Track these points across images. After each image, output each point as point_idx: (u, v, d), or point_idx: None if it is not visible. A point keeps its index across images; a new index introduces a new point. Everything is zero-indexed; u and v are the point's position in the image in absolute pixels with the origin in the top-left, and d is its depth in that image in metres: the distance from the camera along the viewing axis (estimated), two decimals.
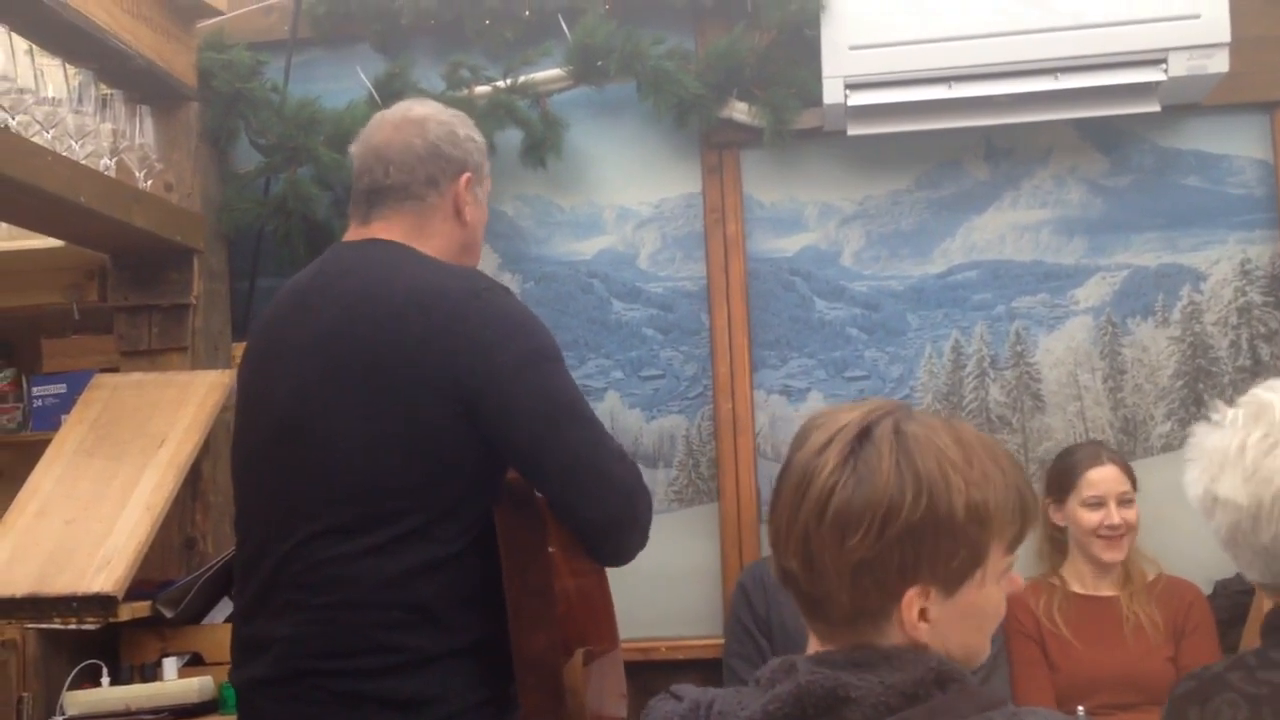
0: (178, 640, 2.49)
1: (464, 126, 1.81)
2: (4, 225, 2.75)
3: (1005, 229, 2.92)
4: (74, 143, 2.40)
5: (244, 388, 1.80)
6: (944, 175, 2.94)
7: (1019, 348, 2.89)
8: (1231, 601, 2.60)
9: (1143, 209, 2.89)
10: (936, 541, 0.99)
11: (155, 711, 2.33)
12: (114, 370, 2.77)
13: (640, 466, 1.77)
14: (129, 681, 2.45)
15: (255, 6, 2.98)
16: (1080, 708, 2.34)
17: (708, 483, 2.93)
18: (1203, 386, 2.82)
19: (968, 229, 2.93)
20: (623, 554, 1.71)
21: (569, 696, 1.58)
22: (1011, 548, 1.05)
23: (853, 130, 2.81)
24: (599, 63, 2.84)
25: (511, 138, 2.87)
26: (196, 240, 2.78)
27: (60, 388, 2.87)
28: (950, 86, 2.70)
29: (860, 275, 2.95)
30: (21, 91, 2.25)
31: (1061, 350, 2.88)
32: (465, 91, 2.86)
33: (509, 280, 2.95)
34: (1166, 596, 2.55)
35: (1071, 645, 2.51)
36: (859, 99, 2.72)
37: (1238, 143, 2.86)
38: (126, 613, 2.33)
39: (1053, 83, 2.68)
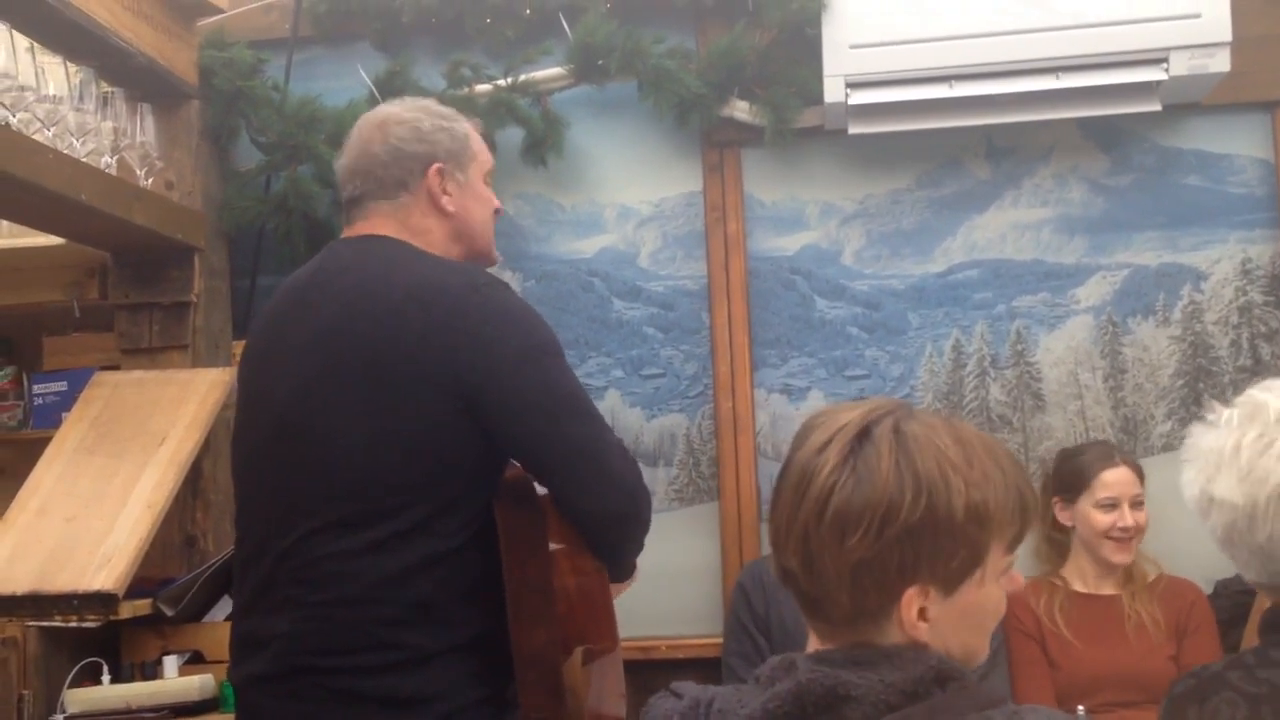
0: (178, 638, 2.49)
1: (431, 118, 1.80)
2: (5, 223, 2.75)
3: (1006, 228, 2.92)
4: (75, 140, 2.40)
5: (244, 385, 1.80)
6: (945, 174, 2.94)
7: (1019, 347, 2.89)
8: (1232, 602, 2.60)
9: (1144, 208, 2.89)
10: (936, 541, 0.99)
11: (156, 709, 2.33)
12: (115, 368, 2.77)
13: (641, 465, 1.76)
14: (129, 679, 2.45)
15: (256, 5, 2.98)
16: (1080, 707, 2.34)
17: (708, 481, 2.93)
18: (1203, 386, 2.82)
19: (968, 228, 2.93)
20: (624, 548, 1.71)
21: (568, 694, 1.58)
22: (1011, 547, 1.05)
23: (854, 129, 2.81)
24: (600, 61, 2.84)
25: (512, 136, 2.87)
26: (197, 238, 2.78)
27: (61, 385, 2.87)
28: (951, 85, 2.71)
29: (861, 274, 2.95)
30: (22, 89, 2.26)
31: (1062, 349, 2.88)
32: (466, 90, 2.86)
33: (510, 278, 2.95)
34: (1168, 596, 2.55)
35: (1073, 644, 2.51)
36: (860, 98, 2.72)
37: (1239, 142, 2.86)
38: (127, 610, 2.33)
39: (1054, 82, 2.68)
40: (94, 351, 2.88)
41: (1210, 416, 1.37)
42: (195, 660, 2.48)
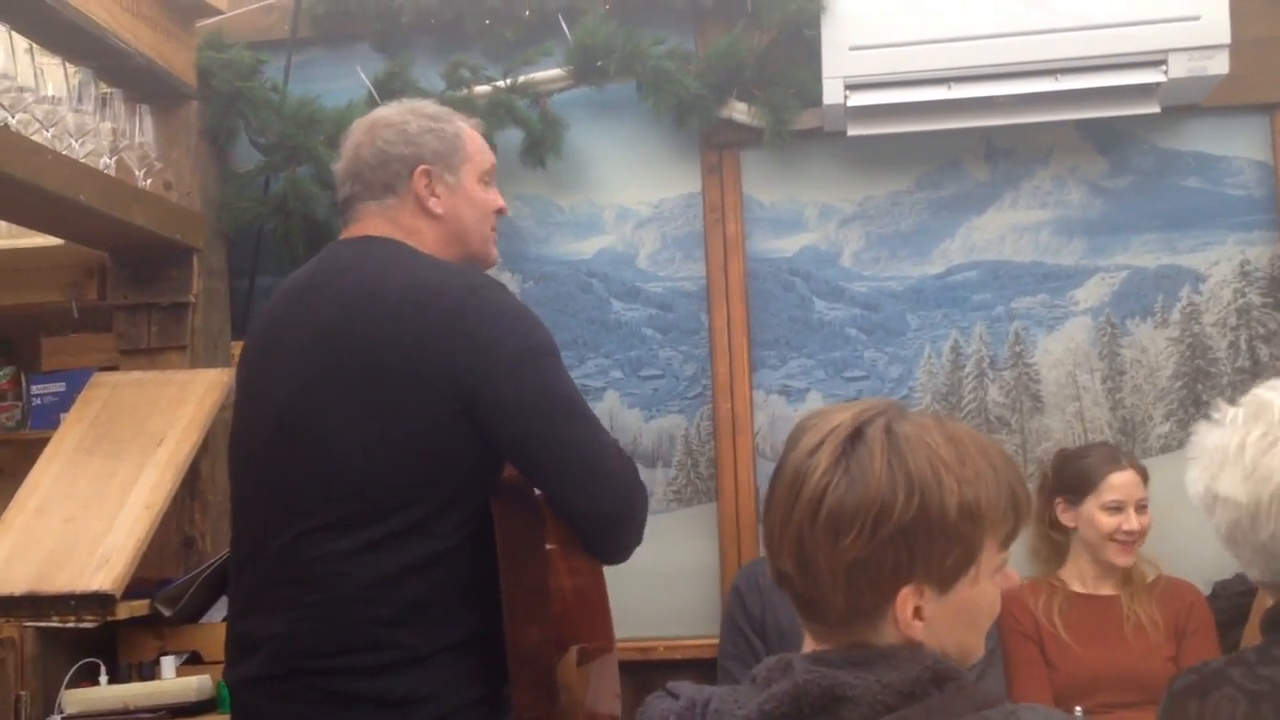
0: (176, 639, 2.49)
1: (420, 120, 1.79)
2: (4, 223, 2.75)
3: (1005, 230, 2.92)
4: (74, 141, 2.40)
5: (242, 385, 1.80)
6: (944, 176, 2.94)
7: (1018, 348, 2.89)
8: (1231, 603, 2.60)
9: (1142, 210, 2.89)
10: (930, 540, 0.99)
11: (153, 710, 2.33)
12: (113, 369, 2.77)
13: (639, 466, 1.77)
14: (127, 680, 2.45)
15: (255, 6, 2.98)
16: (1078, 708, 2.34)
17: (706, 482, 2.93)
18: (1201, 387, 2.82)
19: (967, 229, 2.93)
20: (619, 549, 1.71)
21: (562, 694, 1.58)
22: (1005, 544, 1.05)
23: (853, 131, 2.81)
24: (599, 63, 2.84)
25: (511, 137, 2.87)
26: (196, 239, 2.78)
27: (59, 386, 2.87)
28: (950, 87, 2.71)
29: (860, 275, 2.95)
30: (21, 90, 2.26)
31: (1060, 351, 2.88)
32: (465, 91, 2.86)
33: (508, 280, 2.95)
34: (1167, 597, 2.55)
35: (1071, 644, 2.51)
36: (859, 99, 2.72)
37: (1237, 144, 2.86)
38: (125, 611, 2.33)
39: (1053, 84, 2.68)
40: (92, 352, 2.88)
41: (1215, 415, 1.38)
42: (193, 661, 2.48)
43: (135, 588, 2.38)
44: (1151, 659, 2.47)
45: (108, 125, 2.54)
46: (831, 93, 2.72)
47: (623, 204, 3.01)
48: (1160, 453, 2.81)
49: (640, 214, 3.01)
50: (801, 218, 2.97)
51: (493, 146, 1.92)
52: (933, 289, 2.93)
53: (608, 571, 1.77)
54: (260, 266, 2.98)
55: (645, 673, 2.56)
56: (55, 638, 2.42)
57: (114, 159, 2.56)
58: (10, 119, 2.23)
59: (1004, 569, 1.06)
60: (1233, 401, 1.39)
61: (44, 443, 2.59)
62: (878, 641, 1.01)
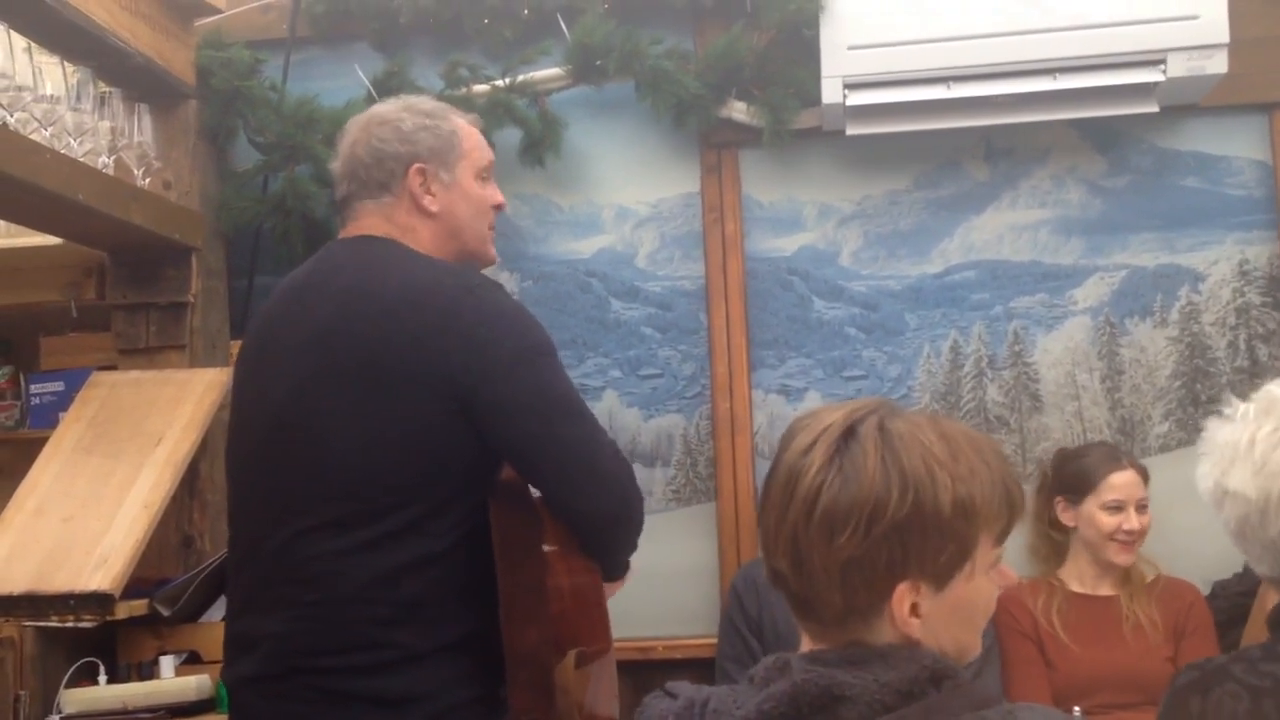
0: (175, 638, 2.49)
1: (415, 117, 1.78)
2: (2, 223, 2.75)
3: (1004, 229, 2.92)
4: (72, 140, 2.40)
5: (239, 385, 1.80)
6: (943, 175, 2.94)
7: (1017, 348, 2.89)
8: (1230, 603, 2.60)
9: (1141, 209, 2.89)
10: (924, 537, 0.99)
11: (152, 710, 2.33)
12: (112, 368, 2.77)
13: (638, 466, 1.78)
14: (126, 679, 2.45)
15: (254, 5, 2.98)
16: (1076, 708, 2.34)
17: (705, 482, 2.93)
18: (1200, 387, 2.82)
19: (966, 229, 2.93)
20: (617, 549, 1.71)
21: (559, 695, 1.58)
22: (999, 540, 1.06)
23: (851, 130, 2.81)
24: (598, 62, 2.84)
25: (510, 137, 2.87)
26: (195, 238, 2.78)
27: (58, 385, 2.87)
28: (949, 87, 2.71)
29: (858, 275, 2.95)
30: (20, 89, 2.26)
31: (1059, 350, 2.88)
32: (464, 90, 2.86)
33: (507, 279, 2.95)
34: (1166, 597, 2.56)
35: (1070, 644, 2.51)
36: (858, 99, 2.72)
37: (1236, 144, 2.86)
38: (124, 611, 2.33)
39: (1051, 83, 2.68)
40: (91, 351, 2.88)
41: (1227, 410, 1.38)
42: (192, 660, 2.48)
43: (134, 587, 2.38)
44: (1150, 659, 2.47)
45: (106, 124, 2.54)
46: (830, 92, 2.72)
47: (622, 203, 3.01)
48: (1159, 452, 2.81)
49: (639, 213, 3.01)
50: (800, 217, 2.97)
51: (491, 144, 1.91)
52: (931, 288, 2.93)
53: None
54: (259, 266, 2.98)
55: (644, 672, 2.56)
56: (54, 637, 2.41)
57: (112, 158, 2.56)
58: (9, 118, 2.22)
59: (999, 565, 1.06)
60: (1234, 400, 1.39)
61: (43, 442, 2.58)
62: (874, 640, 1.01)
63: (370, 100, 2.80)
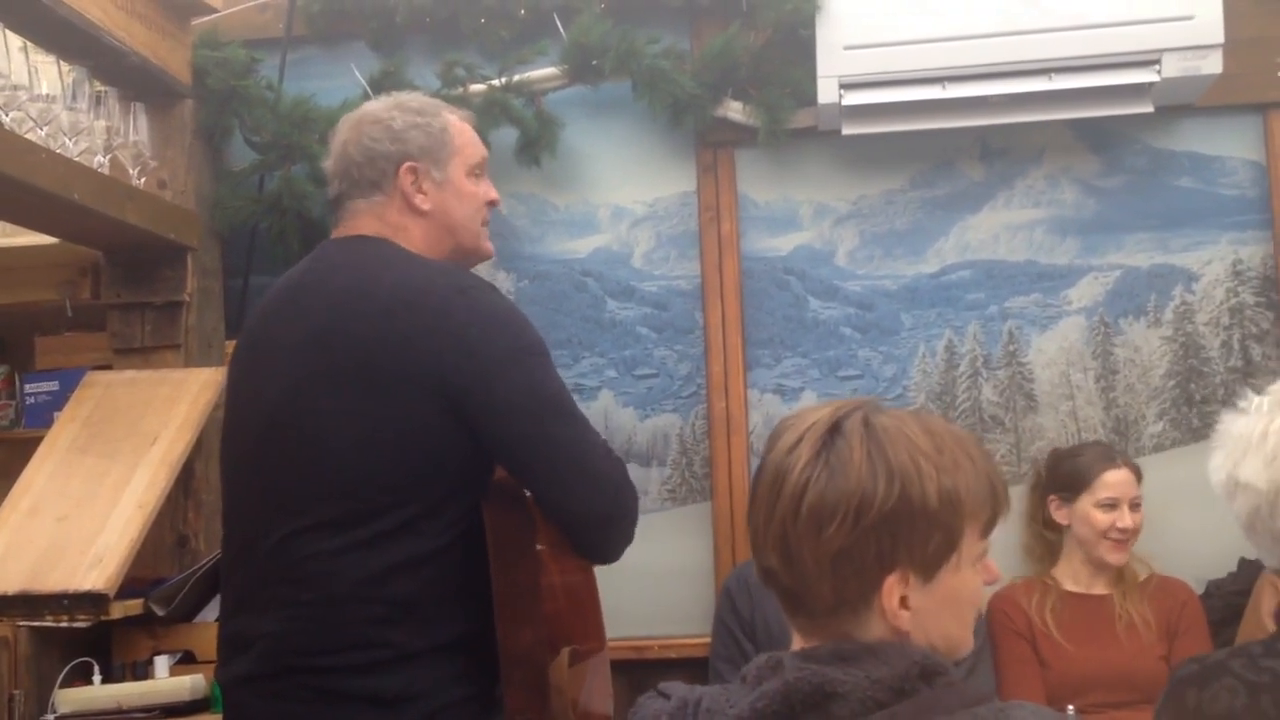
0: (169, 638, 2.49)
1: (406, 115, 1.78)
2: None
3: (999, 229, 2.93)
4: (68, 140, 2.40)
5: (234, 384, 1.80)
6: (938, 175, 2.95)
7: (1012, 347, 2.90)
8: (1224, 602, 2.61)
9: (1136, 209, 2.89)
10: (912, 528, 1.01)
11: (147, 710, 2.33)
12: (107, 368, 2.77)
13: (634, 465, 1.78)
14: (121, 679, 2.44)
15: (250, 4, 2.98)
16: (1070, 707, 2.34)
17: (701, 481, 2.94)
18: (1194, 387, 2.83)
19: (961, 229, 2.94)
20: (609, 549, 1.71)
21: (554, 694, 1.58)
22: (985, 532, 1.07)
23: (847, 130, 2.81)
24: (594, 62, 2.84)
25: (506, 136, 2.87)
26: (190, 238, 2.78)
27: (53, 385, 2.86)
28: (945, 87, 2.71)
29: (854, 275, 2.95)
30: (15, 88, 2.26)
31: (1054, 350, 2.89)
32: (460, 90, 2.86)
33: (503, 279, 2.96)
34: (1159, 596, 2.56)
35: (1064, 643, 2.51)
36: (854, 99, 2.72)
37: (1230, 144, 2.86)
38: (118, 611, 2.33)
39: (1047, 83, 2.68)
40: (86, 351, 2.88)
41: (1241, 403, 1.39)
42: (186, 660, 2.48)
43: (129, 587, 2.38)
44: (1144, 658, 2.48)
45: (102, 124, 2.53)
46: (826, 92, 2.72)
47: (618, 203, 3.01)
48: (1153, 452, 2.82)
49: (635, 213, 3.01)
50: (796, 217, 2.97)
51: (486, 142, 1.91)
52: (927, 288, 2.93)
53: (602, 571, 1.77)
54: (255, 265, 2.98)
55: (639, 672, 2.57)
56: (48, 637, 2.41)
57: (108, 157, 2.55)
58: (4, 117, 2.22)
59: (985, 559, 1.07)
60: (1228, 401, 1.40)
61: (37, 442, 2.58)
62: (864, 635, 1.02)
63: (366, 100, 2.80)
